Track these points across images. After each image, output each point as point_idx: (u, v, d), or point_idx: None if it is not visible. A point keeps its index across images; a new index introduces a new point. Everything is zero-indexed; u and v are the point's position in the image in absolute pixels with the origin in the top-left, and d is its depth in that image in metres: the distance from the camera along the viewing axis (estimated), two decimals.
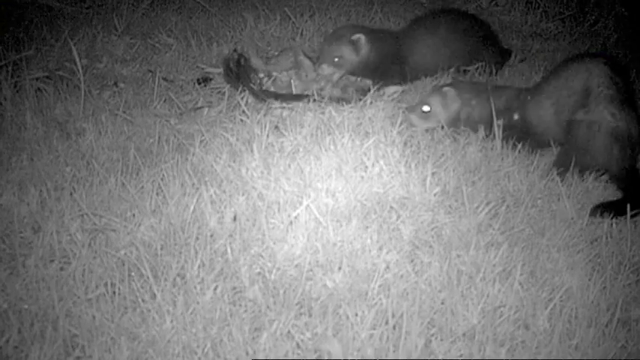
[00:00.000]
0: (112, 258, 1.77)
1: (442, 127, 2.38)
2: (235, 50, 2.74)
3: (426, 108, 2.38)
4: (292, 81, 2.64)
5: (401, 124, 2.30)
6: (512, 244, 1.87)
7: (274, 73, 2.65)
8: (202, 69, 2.83)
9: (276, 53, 2.86)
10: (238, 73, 2.61)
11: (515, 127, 2.30)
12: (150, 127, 2.38)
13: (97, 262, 1.75)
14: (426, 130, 2.39)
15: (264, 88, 2.60)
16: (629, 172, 2.13)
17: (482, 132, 2.34)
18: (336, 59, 2.63)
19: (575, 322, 1.63)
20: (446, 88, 2.41)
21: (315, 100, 2.50)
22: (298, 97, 2.54)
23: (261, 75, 2.63)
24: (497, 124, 2.29)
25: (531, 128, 2.28)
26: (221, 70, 2.72)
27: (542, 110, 2.26)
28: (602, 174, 2.14)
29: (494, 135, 2.28)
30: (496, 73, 2.79)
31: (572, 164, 2.12)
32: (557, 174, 2.14)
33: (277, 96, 2.55)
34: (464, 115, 2.36)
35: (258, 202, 1.97)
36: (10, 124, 2.32)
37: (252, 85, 2.58)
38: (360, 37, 2.64)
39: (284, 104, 2.53)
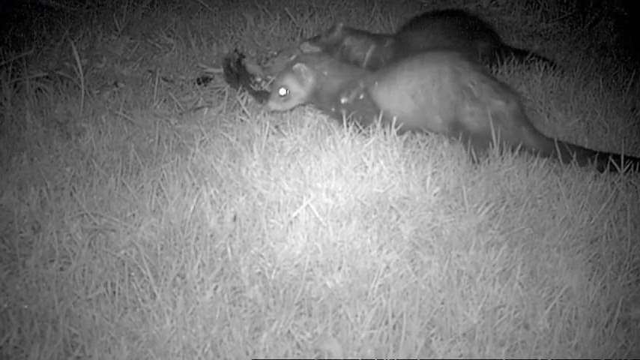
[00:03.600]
0: (112, 258, 1.77)
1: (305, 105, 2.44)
2: (236, 50, 2.74)
3: (282, 91, 2.36)
4: None
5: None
6: (512, 244, 1.87)
7: (270, 77, 2.66)
8: (203, 69, 2.83)
9: (275, 53, 2.86)
10: (238, 73, 2.61)
11: (361, 107, 2.32)
12: (150, 127, 2.38)
13: (97, 262, 1.75)
14: (291, 111, 2.44)
15: (262, 89, 2.61)
16: (541, 137, 2.19)
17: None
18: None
19: (575, 322, 1.63)
20: (296, 65, 2.36)
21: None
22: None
23: (259, 79, 2.63)
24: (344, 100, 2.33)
25: (381, 113, 2.28)
26: (221, 70, 2.72)
27: (398, 104, 2.25)
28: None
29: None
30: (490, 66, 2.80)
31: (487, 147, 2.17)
32: (476, 161, 2.18)
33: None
34: (320, 85, 2.36)
35: (258, 202, 1.97)
36: (10, 124, 2.33)
37: (251, 85, 2.59)
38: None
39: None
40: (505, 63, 2.85)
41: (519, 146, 2.17)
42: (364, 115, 2.31)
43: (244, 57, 2.69)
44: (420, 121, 2.25)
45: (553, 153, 2.16)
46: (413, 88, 2.23)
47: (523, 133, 2.17)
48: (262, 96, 2.56)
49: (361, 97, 2.32)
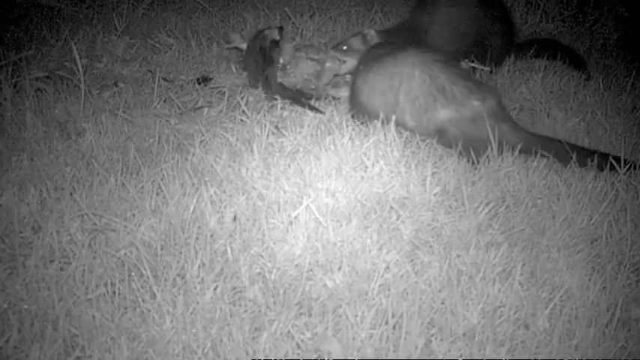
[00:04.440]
0: (112, 258, 1.77)
1: None
2: (281, 27, 2.71)
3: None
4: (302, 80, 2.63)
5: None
6: (512, 244, 1.87)
7: (292, 75, 2.64)
8: (204, 64, 2.83)
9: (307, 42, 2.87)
10: (265, 59, 2.60)
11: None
12: (150, 127, 2.38)
13: (97, 262, 1.75)
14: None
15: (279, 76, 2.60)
16: (523, 132, 2.18)
17: None
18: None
19: (575, 322, 1.63)
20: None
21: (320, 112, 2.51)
22: (313, 107, 2.52)
23: (282, 61, 2.62)
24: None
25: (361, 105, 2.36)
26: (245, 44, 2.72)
27: (370, 98, 2.31)
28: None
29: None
30: (495, 66, 2.78)
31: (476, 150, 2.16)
32: (476, 162, 2.17)
33: (292, 95, 2.55)
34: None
35: (258, 202, 1.97)
36: (10, 124, 2.32)
37: (272, 76, 2.57)
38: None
39: (291, 104, 2.54)
40: (508, 63, 2.84)
41: (502, 143, 2.15)
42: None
43: (282, 30, 2.67)
44: (391, 117, 2.26)
45: (535, 148, 2.15)
46: (382, 87, 2.26)
47: (503, 131, 2.16)
48: (279, 90, 2.55)
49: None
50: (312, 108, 2.49)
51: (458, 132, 2.15)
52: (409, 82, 2.19)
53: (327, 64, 2.63)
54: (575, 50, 2.99)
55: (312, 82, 2.63)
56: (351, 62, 2.63)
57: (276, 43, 2.63)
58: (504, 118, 2.18)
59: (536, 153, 2.16)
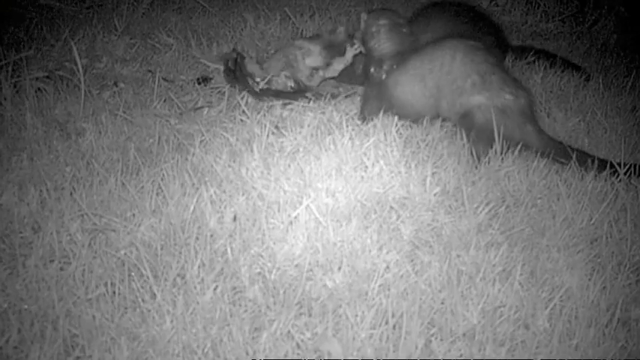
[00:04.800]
0: (112, 258, 1.77)
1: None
2: (234, 50, 2.73)
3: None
4: (286, 77, 2.62)
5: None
6: (512, 244, 1.87)
7: (268, 76, 2.64)
8: (204, 65, 2.83)
9: (273, 52, 2.86)
10: (235, 73, 2.62)
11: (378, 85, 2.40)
12: (150, 127, 2.38)
13: (97, 262, 1.75)
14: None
15: (260, 87, 2.60)
16: (546, 137, 2.18)
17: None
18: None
19: (575, 322, 1.63)
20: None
21: (313, 100, 2.51)
22: (297, 95, 2.53)
23: (257, 79, 2.63)
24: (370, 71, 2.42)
25: (392, 99, 2.35)
26: (221, 67, 2.73)
27: (408, 87, 2.31)
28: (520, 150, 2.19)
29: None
30: None
31: (490, 146, 2.16)
32: (477, 159, 2.17)
33: (277, 93, 2.55)
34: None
35: (258, 202, 1.97)
36: (10, 124, 2.32)
37: (251, 85, 2.58)
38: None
39: (284, 101, 2.54)
40: (509, 62, 2.84)
41: (521, 144, 2.16)
42: (372, 95, 2.39)
43: (244, 57, 2.68)
44: (428, 105, 2.27)
45: (555, 155, 2.15)
46: (422, 72, 2.26)
47: (527, 132, 2.16)
48: (264, 94, 2.56)
49: (384, 77, 2.37)
50: (294, 96, 2.52)
51: (483, 119, 2.15)
52: (451, 63, 2.20)
53: (290, 55, 2.64)
54: (568, 60, 2.98)
55: (290, 75, 2.64)
56: (314, 49, 2.65)
57: (237, 63, 2.64)
58: (531, 120, 2.19)
59: (555, 160, 2.16)
